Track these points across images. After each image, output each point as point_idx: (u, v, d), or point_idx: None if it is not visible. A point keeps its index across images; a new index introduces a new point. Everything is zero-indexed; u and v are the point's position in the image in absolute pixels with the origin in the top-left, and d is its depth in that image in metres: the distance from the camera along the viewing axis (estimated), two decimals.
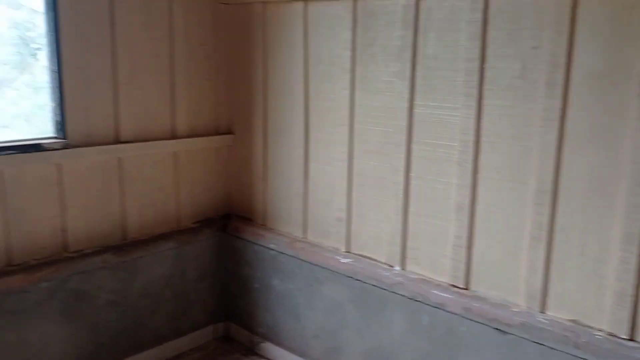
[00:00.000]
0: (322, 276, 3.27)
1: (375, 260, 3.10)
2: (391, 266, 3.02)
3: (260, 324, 3.69)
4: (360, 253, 3.17)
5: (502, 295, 2.64)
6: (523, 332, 2.50)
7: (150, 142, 3.44)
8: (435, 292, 2.80)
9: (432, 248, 2.87)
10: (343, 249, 3.23)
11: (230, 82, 3.76)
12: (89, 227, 3.24)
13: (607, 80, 2.25)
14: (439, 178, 2.80)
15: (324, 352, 3.35)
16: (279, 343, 3.60)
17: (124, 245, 3.34)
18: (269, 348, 3.65)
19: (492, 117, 2.59)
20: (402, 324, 2.95)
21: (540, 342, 2.46)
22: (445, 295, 2.76)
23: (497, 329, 2.59)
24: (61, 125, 3.09)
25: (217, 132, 3.80)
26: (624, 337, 2.30)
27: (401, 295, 2.92)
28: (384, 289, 2.98)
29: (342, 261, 3.16)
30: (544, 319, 2.48)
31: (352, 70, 3.07)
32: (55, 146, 3.06)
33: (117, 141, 3.31)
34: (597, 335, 2.34)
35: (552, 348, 2.42)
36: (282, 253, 3.46)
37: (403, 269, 2.99)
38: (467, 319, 2.68)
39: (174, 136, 3.57)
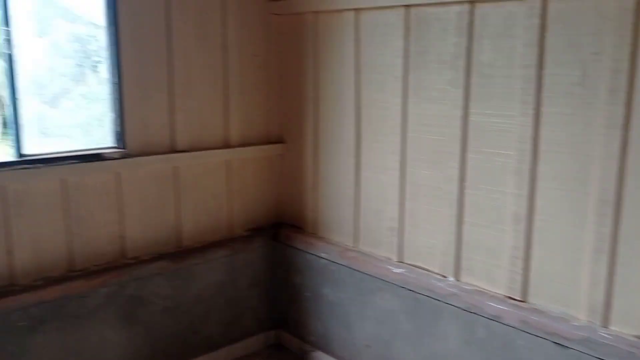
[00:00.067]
0: (374, 286, 3.24)
1: (428, 270, 3.05)
2: (445, 277, 2.98)
3: (311, 332, 3.70)
4: (413, 263, 3.13)
5: (561, 308, 2.56)
6: (585, 348, 2.41)
7: (204, 151, 3.51)
8: (491, 303, 2.73)
9: (488, 259, 2.81)
10: (395, 259, 3.20)
11: (281, 91, 3.80)
12: (145, 234, 3.32)
13: None
14: (494, 187, 2.75)
15: None
16: (330, 352, 3.59)
17: (178, 253, 3.41)
18: (320, 357, 3.64)
19: (550, 125, 2.52)
20: (457, 336, 2.89)
21: (603, 358, 2.36)
22: (501, 307, 2.69)
23: (556, 343, 2.51)
24: (120, 135, 3.18)
25: (269, 141, 3.84)
26: None
27: (455, 306, 2.86)
28: (438, 300, 2.94)
29: (394, 271, 3.13)
30: (607, 334, 2.38)
31: (405, 79, 3.05)
32: (115, 156, 3.15)
33: (173, 150, 3.39)
34: None
35: None
36: (334, 262, 3.45)
37: (457, 279, 2.93)
38: (525, 332, 2.61)
39: (226, 145, 3.63)
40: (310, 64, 3.53)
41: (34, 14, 3.05)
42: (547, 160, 2.54)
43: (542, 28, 2.49)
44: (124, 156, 3.19)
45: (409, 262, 3.15)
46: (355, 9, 3.21)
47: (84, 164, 3.05)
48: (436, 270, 3.02)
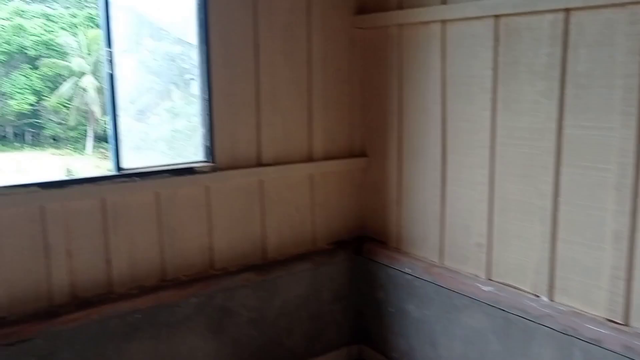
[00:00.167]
0: (461, 303, 3.16)
1: (519, 289, 2.93)
2: (537, 296, 2.85)
3: (394, 349, 3.64)
4: (503, 281, 3.02)
5: None
6: None
7: (289, 165, 3.56)
8: (589, 326, 2.59)
9: (585, 279, 2.66)
10: (483, 276, 3.10)
11: (364, 105, 3.80)
12: (232, 246, 3.40)
13: None
14: (592, 203, 2.61)
15: None
16: None
17: (264, 265, 3.47)
18: None
19: None
20: (551, 359, 2.76)
21: None
22: (601, 330, 2.54)
23: None
24: (210, 149, 3.29)
25: (351, 155, 3.84)
26: None
27: (550, 327, 2.73)
28: (530, 320, 2.81)
29: (483, 289, 3.03)
30: None
31: (494, 90, 2.96)
32: (205, 169, 3.26)
33: (259, 164, 3.46)
34: None
35: None
36: (418, 278, 3.39)
37: (551, 299, 2.80)
38: (629, 358, 2.44)
39: (310, 159, 3.67)
40: (395, 77, 3.51)
41: (130, 34, 3.21)
42: None
43: None
44: (213, 170, 3.29)
45: (498, 280, 3.05)
46: (442, 21, 3.17)
47: (177, 177, 3.17)
48: (528, 289, 2.90)
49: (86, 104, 25.72)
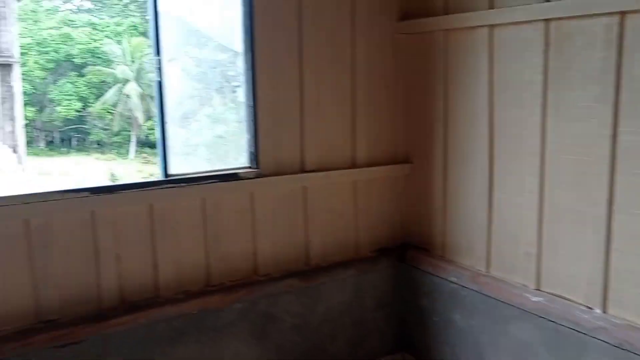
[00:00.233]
0: (509, 314, 3.08)
1: (570, 300, 2.84)
2: (590, 308, 2.75)
3: (438, 358, 3.58)
4: (553, 292, 2.93)
5: None
6: None
7: (332, 172, 3.55)
8: None
9: None
10: (532, 286, 3.02)
11: (408, 111, 3.76)
12: (276, 252, 3.41)
13: None
14: None
15: None
16: None
17: (307, 271, 3.47)
18: None
19: None
20: None
21: None
22: None
23: None
24: (255, 155, 3.31)
25: (395, 161, 3.81)
26: None
27: (604, 341, 2.63)
28: (583, 333, 2.72)
29: (532, 299, 2.95)
30: None
31: (544, 96, 2.89)
32: (250, 175, 3.28)
33: (302, 170, 3.46)
34: None
35: None
36: (464, 287, 3.33)
37: (605, 312, 2.70)
38: None
39: (353, 165, 3.65)
40: (440, 83, 3.47)
41: (177, 42, 3.26)
42: None
43: None
44: (258, 176, 3.30)
45: (547, 291, 2.96)
46: (490, 25, 3.11)
47: (222, 183, 3.19)
48: (580, 301, 2.81)
49: (129, 110, 26.33)
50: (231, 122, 3.47)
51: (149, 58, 25.96)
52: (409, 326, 3.79)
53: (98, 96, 26.44)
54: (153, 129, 26.16)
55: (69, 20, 27.44)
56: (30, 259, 2.72)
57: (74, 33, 26.35)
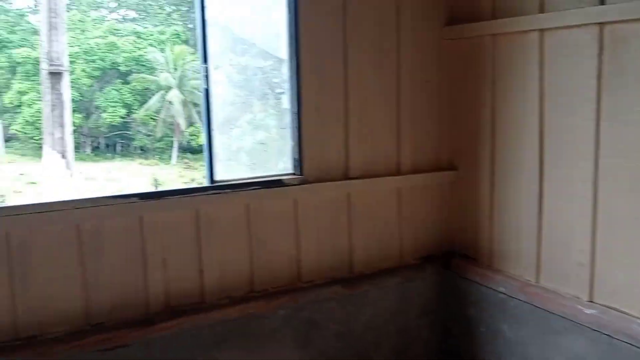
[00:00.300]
0: (560, 326, 2.98)
1: (627, 313, 2.73)
2: None
3: None
4: (608, 304, 2.82)
5: None
6: None
7: (377, 179, 3.52)
8: None
9: None
10: (585, 298, 2.91)
11: (453, 117, 3.70)
12: (319, 259, 3.39)
13: None
14: None
15: None
16: None
17: (351, 278, 3.44)
18: None
19: None
20: None
21: None
22: None
23: None
24: (299, 162, 3.30)
25: (440, 168, 3.75)
26: None
27: None
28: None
29: (585, 311, 2.85)
30: None
31: (598, 101, 2.79)
32: (294, 182, 3.28)
33: (346, 177, 3.44)
34: None
35: None
36: (512, 297, 3.24)
37: None
38: None
39: (397, 172, 3.61)
40: (487, 88, 3.40)
41: (222, 50, 3.29)
42: None
43: None
44: (302, 182, 3.30)
45: (602, 303, 2.85)
46: (540, 30, 3.03)
47: (266, 189, 3.20)
48: (637, 314, 2.69)
49: (172, 117, 26.84)
50: (272, 129, 3.47)
51: (191, 65, 26.47)
52: (454, 336, 3.71)
53: (142, 103, 27.05)
54: (194, 135, 26.62)
55: (115, 30, 28.19)
56: (81, 263, 2.78)
57: (119, 42, 27.05)
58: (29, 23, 26.93)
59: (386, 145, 3.56)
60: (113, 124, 26.70)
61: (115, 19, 30.20)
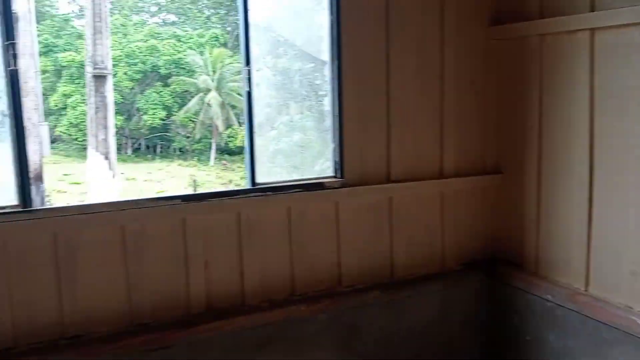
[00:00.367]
0: (612, 337, 2.87)
1: None
2: None
3: None
4: None
5: None
6: None
7: (419, 182, 3.46)
8: None
9: None
10: (639, 308, 2.79)
11: (499, 119, 3.61)
12: (360, 264, 3.35)
13: None
14: None
15: None
16: None
17: (392, 284, 3.39)
18: None
19: None
20: None
21: None
22: None
23: None
24: (340, 165, 3.28)
25: (484, 172, 3.66)
26: None
27: None
28: None
29: (639, 322, 2.73)
30: None
31: None
32: (335, 185, 3.25)
33: (388, 180, 3.39)
34: None
35: None
36: (560, 306, 3.14)
37: None
38: None
39: (440, 175, 3.54)
40: (535, 90, 3.30)
41: (264, 52, 3.29)
42: None
43: None
44: (343, 185, 3.27)
45: None
46: (591, 29, 2.93)
47: (307, 192, 3.18)
48: None
49: (210, 119, 27.17)
50: (309, 130, 3.45)
51: (229, 68, 26.76)
52: (498, 345, 3.61)
53: (181, 105, 27.47)
54: (232, 137, 26.88)
55: (156, 33, 28.71)
56: (125, 263, 2.81)
57: (160, 45, 27.53)
58: (73, 28, 27.69)
59: (429, 147, 3.50)
60: (153, 125, 27.19)
61: (156, 23, 30.77)
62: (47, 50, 25.79)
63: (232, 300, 3.06)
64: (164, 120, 27.39)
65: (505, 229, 3.63)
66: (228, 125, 27.23)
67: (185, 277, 2.95)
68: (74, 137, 25.71)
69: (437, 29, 3.42)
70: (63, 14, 28.53)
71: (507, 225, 3.61)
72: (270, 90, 3.35)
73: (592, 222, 3.03)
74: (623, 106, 2.83)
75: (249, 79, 3.03)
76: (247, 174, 3.14)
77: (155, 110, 26.94)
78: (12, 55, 2.55)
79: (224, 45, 28.88)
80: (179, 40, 28.57)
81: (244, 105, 3.12)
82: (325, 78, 3.29)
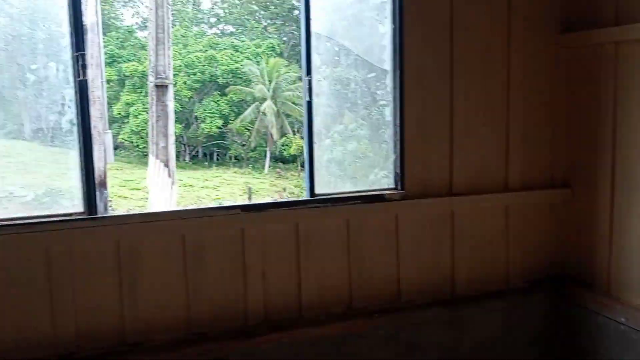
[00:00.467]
0: None
1: None
2: None
3: None
4: None
5: None
6: None
7: (482, 195, 3.34)
8: None
9: None
10: None
11: (569, 130, 3.44)
12: (420, 278, 3.26)
13: None
14: None
15: None
16: None
17: (453, 300, 3.28)
18: None
19: None
20: None
21: None
22: None
23: None
24: (400, 177, 3.20)
25: (552, 185, 3.50)
26: None
27: None
28: None
29: None
30: None
31: None
32: (395, 197, 3.17)
33: (450, 193, 3.29)
34: None
35: None
36: (636, 330, 2.94)
37: None
38: None
39: (505, 189, 3.41)
40: (609, 100, 3.13)
41: (324, 61, 3.25)
42: None
43: None
44: (403, 198, 3.19)
45: None
46: None
47: (367, 204, 3.12)
48: None
49: (265, 127, 27.52)
50: (365, 139, 3.38)
51: (285, 77, 27.04)
52: None
53: (237, 114, 27.95)
54: (286, 145, 27.12)
55: (214, 44, 29.37)
56: (185, 272, 2.82)
57: (218, 55, 28.14)
58: (137, 39, 28.70)
59: (493, 159, 3.37)
60: (210, 133, 27.77)
61: (215, 34, 31.50)
62: (111, 60, 26.81)
63: (289, 312, 3.02)
64: (220, 128, 27.94)
65: (574, 245, 3.44)
66: (283, 134, 27.50)
67: (243, 287, 2.93)
68: (135, 144, 26.57)
69: (503, 36, 3.30)
70: (127, 26, 29.67)
71: (576, 241, 3.43)
72: (328, 99, 3.31)
73: None
74: None
75: (310, 89, 3.00)
76: (306, 184, 3.10)
77: (212, 119, 27.52)
78: (81, 66, 2.61)
79: (280, 55, 29.23)
80: (237, 51, 29.12)
81: (303, 115, 3.10)
82: (386, 87, 3.23)
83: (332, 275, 3.10)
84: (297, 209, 3.01)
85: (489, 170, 3.36)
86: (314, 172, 3.06)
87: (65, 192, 2.77)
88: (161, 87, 12.44)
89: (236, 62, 28.46)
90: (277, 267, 2.99)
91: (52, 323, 2.61)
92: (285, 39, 30.69)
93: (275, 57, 28.82)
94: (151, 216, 2.78)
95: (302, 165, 26.07)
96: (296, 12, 30.05)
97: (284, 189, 24.83)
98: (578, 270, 3.42)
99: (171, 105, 12.78)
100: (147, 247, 2.76)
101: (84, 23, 2.68)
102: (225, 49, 29.07)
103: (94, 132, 2.87)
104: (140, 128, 25.35)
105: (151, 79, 12.77)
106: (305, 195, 3.12)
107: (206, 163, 29.07)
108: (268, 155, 28.19)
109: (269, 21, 31.84)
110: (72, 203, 2.71)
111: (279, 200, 3.26)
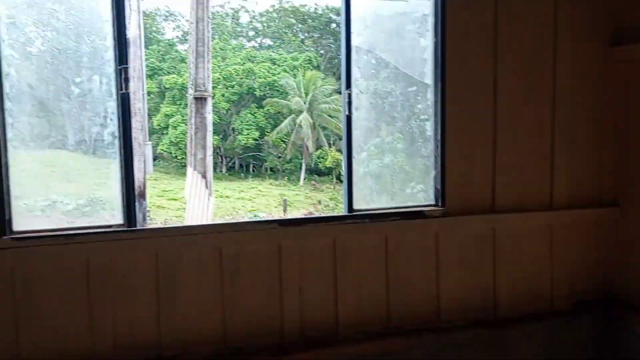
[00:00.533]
0: None
1: None
2: None
3: None
4: None
5: None
6: None
7: (526, 213, 3.24)
8: None
9: None
10: None
11: (619, 147, 3.31)
12: (460, 298, 3.17)
13: None
14: None
15: None
16: None
17: (494, 321, 3.17)
18: None
19: None
20: None
21: None
22: None
23: None
24: (441, 193, 3.12)
25: (599, 204, 3.37)
26: None
27: None
28: None
29: None
30: None
31: None
32: (435, 214, 3.10)
33: (492, 211, 3.20)
34: None
35: None
36: None
37: None
38: None
39: (549, 207, 3.30)
40: None
41: (364, 75, 3.21)
42: None
43: None
44: (443, 214, 3.11)
45: None
46: None
47: (406, 220, 3.06)
48: None
49: (301, 139, 27.64)
50: (401, 153, 3.31)
51: (321, 90, 27.15)
52: None
53: (274, 126, 28.16)
54: (322, 158, 27.16)
55: (252, 57, 29.75)
56: (222, 286, 2.81)
57: (256, 68, 28.48)
58: (177, 52, 29.31)
59: (538, 176, 3.27)
60: (247, 145, 28.03)
61: (253, 47, 31.90)
62: (152, 73, 27.43)
63: (325, 330, 2.97)
64: (257, 140, 28.18)
65: (622, 267, 3.30)
66: (318, 146, 27.56)
67: (279, 302, 2.90)
68: (174, 155, 27.02)
69: (549, 50, 3.21)
70: (168, 39, 30.33)
71: (624, 262, 3.28)
72: (367, 112, 3.27)
73: None
74: None
75: (349, 102, 2.97)
76: (345, 199, 3.06)
77: (249, 131, 27.80)
78: (123, 79, 2.64)
79: (317, 67, 29.39)
80: (274, 64, 29.42)
81: (342, 129, 3.06)
82: (427, 101, 3.17)
83: (370, 292, 3.04)
84: (335, 224, 2.97)
85: (533, 187, 3.26)
86: (352, 187, 3.02)
87: (105, 201, 2.80)
88: (200, 100, 12.62)
89: (273, 74, 28.75)
90: (314, 283, 2.95)
91: (91, 335, 2.62)
92: (322, 52, 30.87)
93: (312, 70, 28.99)
94: (189, 229, 2.80)
95: (338, 178, 26.10)
96: (333, 25, 30.22)
97: (319, 202, 24.82)
98: (627, 293, 3.27)
99: (210, 117, 12.95)
100: (184, 260, 2.75)
101: (127, 37, 2.71)
102: (262, 61, 29.41)
103: (134, 143, 2.89)
104: (179, 139, 25.79)
105: (191, 91, 12.98)
106: (343, 211, 3.08)
107: (242, 174, 29.34)
108: (303, 167, 28.27)
109: (306, 34, 32.11)
110: (112, 214, 2.73)
111: (317, 215, 3.24)
